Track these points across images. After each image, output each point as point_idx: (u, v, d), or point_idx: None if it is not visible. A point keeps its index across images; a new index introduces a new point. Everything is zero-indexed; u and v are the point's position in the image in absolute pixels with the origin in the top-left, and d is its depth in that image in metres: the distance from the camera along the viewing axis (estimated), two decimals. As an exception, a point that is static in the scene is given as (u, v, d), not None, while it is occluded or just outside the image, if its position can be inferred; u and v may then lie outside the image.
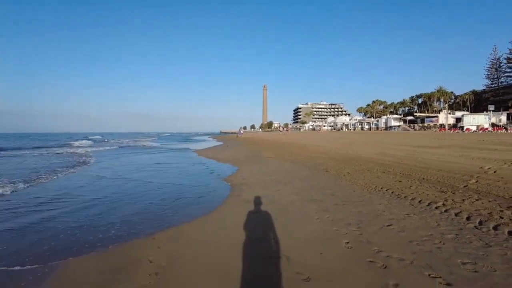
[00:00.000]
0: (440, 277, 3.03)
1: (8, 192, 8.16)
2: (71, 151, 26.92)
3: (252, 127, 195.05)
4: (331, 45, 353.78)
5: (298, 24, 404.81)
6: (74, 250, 4.27)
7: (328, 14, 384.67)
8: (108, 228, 5.24)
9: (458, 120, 52.03)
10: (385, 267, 3.30)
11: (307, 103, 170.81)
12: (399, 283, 2.95)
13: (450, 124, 51.79)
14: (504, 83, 61.05)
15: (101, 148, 31.17)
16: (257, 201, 6.51)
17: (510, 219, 4.53)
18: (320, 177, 9.31)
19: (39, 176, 10.93)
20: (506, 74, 60.81)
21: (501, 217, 4.66)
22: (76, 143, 40.91)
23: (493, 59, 62.28)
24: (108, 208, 6.66)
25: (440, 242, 3.90)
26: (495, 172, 7.87)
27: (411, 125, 61.74)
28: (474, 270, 3.13)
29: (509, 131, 36.96)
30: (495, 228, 4.27)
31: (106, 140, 58.26)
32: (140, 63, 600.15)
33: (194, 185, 9.39)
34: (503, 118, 47.56)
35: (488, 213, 4.87)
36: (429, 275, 3.09)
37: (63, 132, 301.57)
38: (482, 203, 5.46)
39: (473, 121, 47.39)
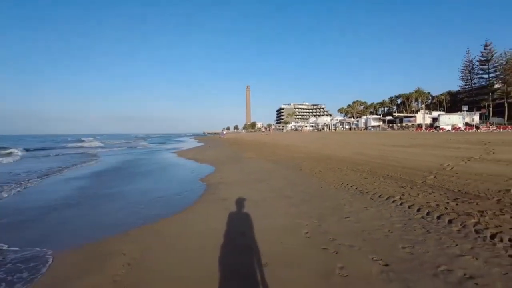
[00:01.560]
0: (381, 259, 3.47)
1: None
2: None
3: (236, 127, 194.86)
4: (313, 46, 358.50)
5: (280, 25, 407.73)
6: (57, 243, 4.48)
7: (310, 15, 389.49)
8: (85, 225, 5.46)
9: (435, 119, 54.04)
10: (336, 253, 3.72)
11: (289, 104, 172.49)
12: (344, 266, 3.37)
13: (427, 123, 53.73)
14: (477, 84, 63.87)
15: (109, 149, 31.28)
16: (232, 198, 6.84)
17: (453, 209, 5.08)
18: (295, 176, 9.74)
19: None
20: (479, 76, 63.64)
21: (445, 208, 5.21)
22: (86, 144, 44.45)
23: (466, 61, 65.10)
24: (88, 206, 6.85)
25: (389, 230, 4.37)
26: (452, 168, 8.54)
27: (390, 125, 63.56)
28: (411, 253, 3.60)
29: (480, 130, 38.84)
30: (438, 217, 4.80)
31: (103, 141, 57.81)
32: (122, 64, 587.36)
33: (171, 185, 9.63)
34: (476, 117, 49.96)
35: (436, 205, 5.42)
36: (372, 258, 3.52)
37: (45, 134, 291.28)
38: (434, 196, 6.02)
39: (448, 120, 49.39)
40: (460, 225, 4.41)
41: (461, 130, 41.91)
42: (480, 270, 3.09)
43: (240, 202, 6.39)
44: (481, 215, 4.71)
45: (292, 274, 3.27)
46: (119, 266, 3.71)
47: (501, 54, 56.08)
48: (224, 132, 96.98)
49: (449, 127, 46.14)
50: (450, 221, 4.59)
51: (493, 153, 10.83)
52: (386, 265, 3.34)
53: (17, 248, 4.40)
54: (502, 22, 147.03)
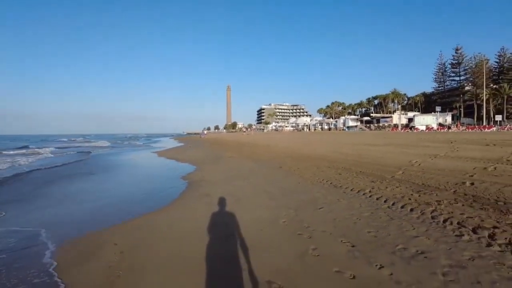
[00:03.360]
0: (348, 242, 3.95)
1: None
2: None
3: (216, 128, 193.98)
4: (293, 46, 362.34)
5: (261, 25, 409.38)
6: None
7: (290, 15, 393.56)
8: (76, 220, 5.68)
9: (410, 120, 56.33)
10: (310, 237, 4.18)
11: (270, 104, 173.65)
12: (317, 248, 3.82)
13: (403, 124, 55.93)
14: (449, 86, 66.86)
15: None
16: (214, 194, 7.19)
17: (415, 200, 5.68)
18: (275, 173, 10.20)
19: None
20: (451, 78, 66.66)
21: (409, 199, 5.80)
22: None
23: (439, 64, 67.99)
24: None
25: (357, 218, 4.89)
26: (419, 164, 9.26)
27: (368, 125, 65.56)
28: (374, 236, 4.11)
29: (451, 130, 40.93)
30: (402, 207, 5.37)
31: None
32: (102, 62, 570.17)
33: (154, 183, 9.85)
34: (448, 118, 52.59)
35: (401, 197, 6.01)
36: (341, 241, 4.00)
37: (30, 134, 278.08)
38: (400, 189, 6.63)
39: (423, 121, 51.64)
40: (420, 212, 4.99)
41: (434, 130, 44.00)
42: (430, 247, 3.62)
43: (222, 198, 6.75)
44: (438, 204, 5.32)
45: (271, 255, 3.68)
46: (112, 254, 4.00)
47: (470, 58, 59.30)
48: (205, 132, 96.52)
49: (423, 127, 48.25)
50: (411, 210, 5.16)
51: (457, 150, 11.71)
52: (353, 246, 3.82)
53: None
54: (474, 25, 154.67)
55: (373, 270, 3.19)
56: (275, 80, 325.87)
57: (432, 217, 4.71)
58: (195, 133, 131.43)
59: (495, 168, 7.63)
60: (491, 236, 3.83)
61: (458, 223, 4.36)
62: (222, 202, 6.34)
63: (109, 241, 4.47)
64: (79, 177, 11.62)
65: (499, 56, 58.38)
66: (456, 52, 62.77)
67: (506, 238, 3.71)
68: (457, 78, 64.55)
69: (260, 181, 8.98)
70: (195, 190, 8.09)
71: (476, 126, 44.06)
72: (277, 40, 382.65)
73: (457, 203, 5.32)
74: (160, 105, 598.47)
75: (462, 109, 59.11)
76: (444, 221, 4.51)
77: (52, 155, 23.53)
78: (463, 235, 3.94)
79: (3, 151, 26.64)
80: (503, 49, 57.56)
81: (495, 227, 4.08)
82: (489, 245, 3.60)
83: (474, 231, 4.05)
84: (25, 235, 4.92)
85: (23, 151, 28.75)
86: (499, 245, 3.57)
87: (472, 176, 7.18)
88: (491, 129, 37.44)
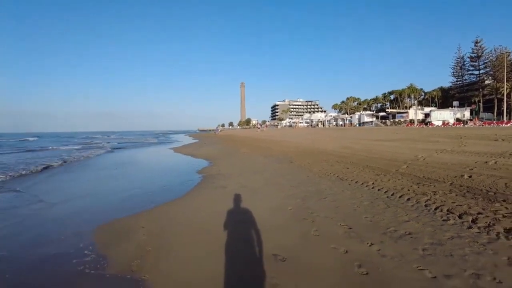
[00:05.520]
0: (346, 225, 4.54)
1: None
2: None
3: (230, 124, 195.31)
4: (307, 43, 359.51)
5: (274, 22, 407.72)
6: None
7: (304, 12, 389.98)
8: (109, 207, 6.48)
9: (427, 115, 55.29)
10: (313, 221, 4.79)
11: (284, 100, 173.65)
12: (318, 229, 4.43)
13: (419, 119, 55.10)
14: (467, 80, 65.35)
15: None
16: (230, 186, 7.88)
17: (414, 191, 6.18)
18: (286, 167, 10.80)
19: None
20: (469, 72, 65.04)
21: (408, 190, 6.30)
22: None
23: (457, 58, 66.43)
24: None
25: (358, 206, 5.46)
26: (424, 159, 9.65)
27: (383, 120, 64.81)
28: (370, 220, 4.68)
29: (468, 125, 40.26)
30: (400, 197, 5.89)
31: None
32: (118, 60, 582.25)
33: (174, 176, 10.64)
34: (467, 113, 51.39)
35: (401, 188, 6.51)
36: (340, 224, 4.59)
37: (38, 132, 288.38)
38: (402, 181, 7.11)
39: (439, 116, 50.66)
40: (415, 201, 5.51)
41: (449, 125, 43.33)
42: (417, 229, 4.16)
43: (237, 189, 7.42)
44: (434, 194, 5.81)
45: (277, 236, 4.31)
46: (141, 235, 4.72)
47: (491, 50, 57.78)
48: (219, 129, 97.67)
49: (439, 123, 47.46)
50: (408, 199, 5.68)
51: (464, 145, 11.96)
52: (350, 228, 4.41)
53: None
54: (493, 18, 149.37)
55: (364, 246, 3.77)
56: (290, 77, 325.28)
57: (426, 205, 5.22)
58: (209, 130, 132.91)
59: (495, 162, 7.98)
60: (474, 221, 4.33)
61: (447, 210, 4.87)
62: (236, 192, 7.00)
63: (138, 225, 5.21)
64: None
65: (521, 48, 56.54)
66: (475, 45, 61.16)
67: (486, 222, 4.21)
68: (476, 72, 62.94)
69: (271, 174, 9.59)
70: (212, 182, 8.79)
71: (494, 121, 43.10)
72: (291, 36, 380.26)
73: (451, 193, 5.79)
74: (174, 102, 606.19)
75: (481, 104, 57.75)
76: (436, 208, 5.02)
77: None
78: (449, 220, 4.46)
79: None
80: (525, 41, 55.74)
81: (479, 213, 4.57)
82: (469, 227, 4.11)
83: (460, 216, 4.55)
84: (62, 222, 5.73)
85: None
86: (479, 227, 4.08)
87: (472, 169, 7.57)
88: (509, 124, 36.64)
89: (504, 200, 5.08)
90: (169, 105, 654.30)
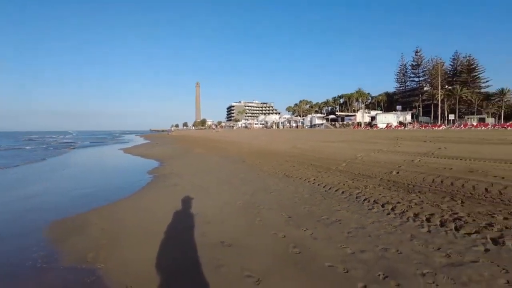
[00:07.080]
0: (287, 215, 5.06)
1: None
2: None
3: (185, 125, 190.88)
4: (263, 45, 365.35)
5: (229, 23, 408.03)
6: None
7: (259, 14, 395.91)
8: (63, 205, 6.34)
9: (373, 118, 59.35)
10: (258, 213, 5.25)
11: (240, 102, 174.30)
12: (262, 219, 4.90)
13: (366, 122, 59.01)
14: (409, 86, 71.46)
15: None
16: (182, 185, 8.06)
17: (348, 186, 6.95)
18: (238, 167, 11.21)
19: None
20: (411, 79, 71.30)
21: (343, 185, 7.08)
22: None
23: (401, 65, 72.43)
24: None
25: (299, 199, 6.05)
26: (362, 158, 10.70)
27: (333, 123, 68.16)
28: (307, 210, 5.27)
29: (407, 128, 44.22)
30: (336, 190, 6.61)
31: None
32: (66, 57, 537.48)
33: (124, 176, 10.48)
34: (408, 117, 56.13)
35: (338, 183, 7.28)
36: (281, 214, 5.11)
37: None
38: (339, 178, 7.91)
39: (384, 119, 54.70)
40: (348, 194, 6.24)
41: (392, 128, 47.21)
42: (346, 217, 4.82)
43: (188, 187, 7.65)
44: (365, 188, 6.62)
45: (225, 226, 4.70)
46: (95, 230, 4.79)
47: (428, 60, 64.03)
48: (172, 129, 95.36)
49: (384, 125, 51.31)
50: (342, 192, 6.41)
51: (399, 146, 13.40)
52: (289, 217, 4.94)
53: None
54: (434, 27, 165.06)
55: (300, 231, 4.30)
56: (245, 78, 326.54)
57: (356, 197, 5.96)
58: (162, 130, 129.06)
59: (419, 160, 9.17)
60: (393, 209, 5.11)
61: (374, 201, 5.64)
62: (187, 189, 7.24)
63: (90, 221, 5.24)
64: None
65: (454, 59, 63.31)
66: (416, 54, 66.96)
67: (401, 209, 5.00)
68: (417, 79, 68.89)
69: (224, 173, 9.93)
70: (163, 181, 8.88)
71: (430, 125, 47.95)
72: (247, 37, 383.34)
73: (380, 187, 6.65)
74: (124, 101, 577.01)
75: (421, 108, 63.44)
76: (364, 200, 5.77)
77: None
78: (373, 208, 5.20)
79: None
80: (456, 53, 62.59)
81: (398, 202, 5.39)
82: (388, 214, 4.86)
83: (382, 206, 5.32)
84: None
85: None
86: (395, 213, 4.84)
87: (400, 167, 8.64)
88: (440, 127, 41.10)
89: (419, 191, 6.01)
90: (122, 105, 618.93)
